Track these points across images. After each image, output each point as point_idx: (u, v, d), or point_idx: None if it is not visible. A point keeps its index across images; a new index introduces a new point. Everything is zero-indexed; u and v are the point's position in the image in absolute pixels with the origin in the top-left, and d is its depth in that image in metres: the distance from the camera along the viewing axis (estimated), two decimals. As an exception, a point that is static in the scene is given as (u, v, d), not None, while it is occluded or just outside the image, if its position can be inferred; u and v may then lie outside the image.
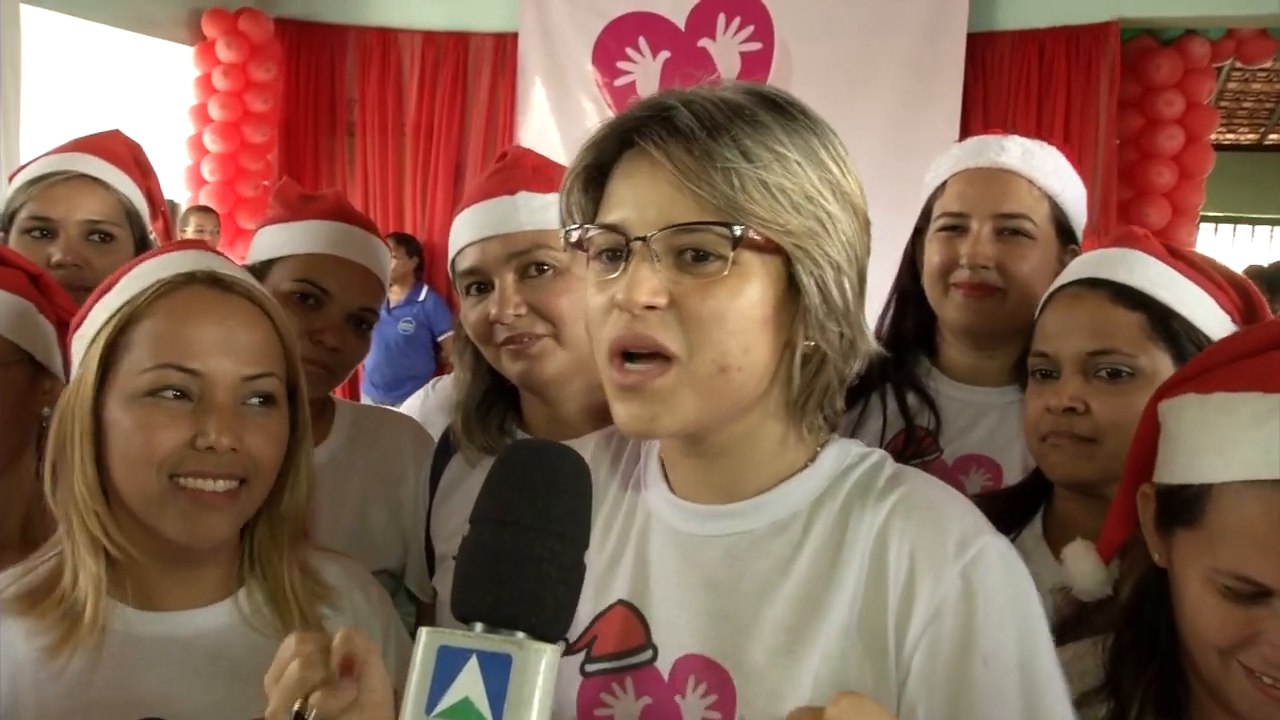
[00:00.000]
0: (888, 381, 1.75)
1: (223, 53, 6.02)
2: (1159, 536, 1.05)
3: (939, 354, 1.78)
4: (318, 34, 6.35)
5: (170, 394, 1.10)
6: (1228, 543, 0.95)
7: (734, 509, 0.95)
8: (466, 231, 1.46)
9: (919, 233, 1.78)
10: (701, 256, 0.87)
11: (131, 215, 1.94)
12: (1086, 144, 5.26)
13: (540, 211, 1.42)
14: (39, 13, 5.14)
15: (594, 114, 5.88)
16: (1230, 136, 9.25)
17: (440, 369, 5.59)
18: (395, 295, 5.80)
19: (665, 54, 5.81)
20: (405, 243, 5.93)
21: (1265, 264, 6.01)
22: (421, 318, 5.84)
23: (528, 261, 1.41)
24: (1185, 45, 5.42)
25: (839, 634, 0.88)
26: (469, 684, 0.68)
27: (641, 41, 5.85)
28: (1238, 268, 1.52)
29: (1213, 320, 1.36)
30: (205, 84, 6.10)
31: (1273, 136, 9.44)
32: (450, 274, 1.52)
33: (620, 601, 0.98)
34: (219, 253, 1.24)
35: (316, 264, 1.67)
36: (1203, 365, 1.05)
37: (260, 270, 1.70)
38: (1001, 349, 1.69)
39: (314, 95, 6.38)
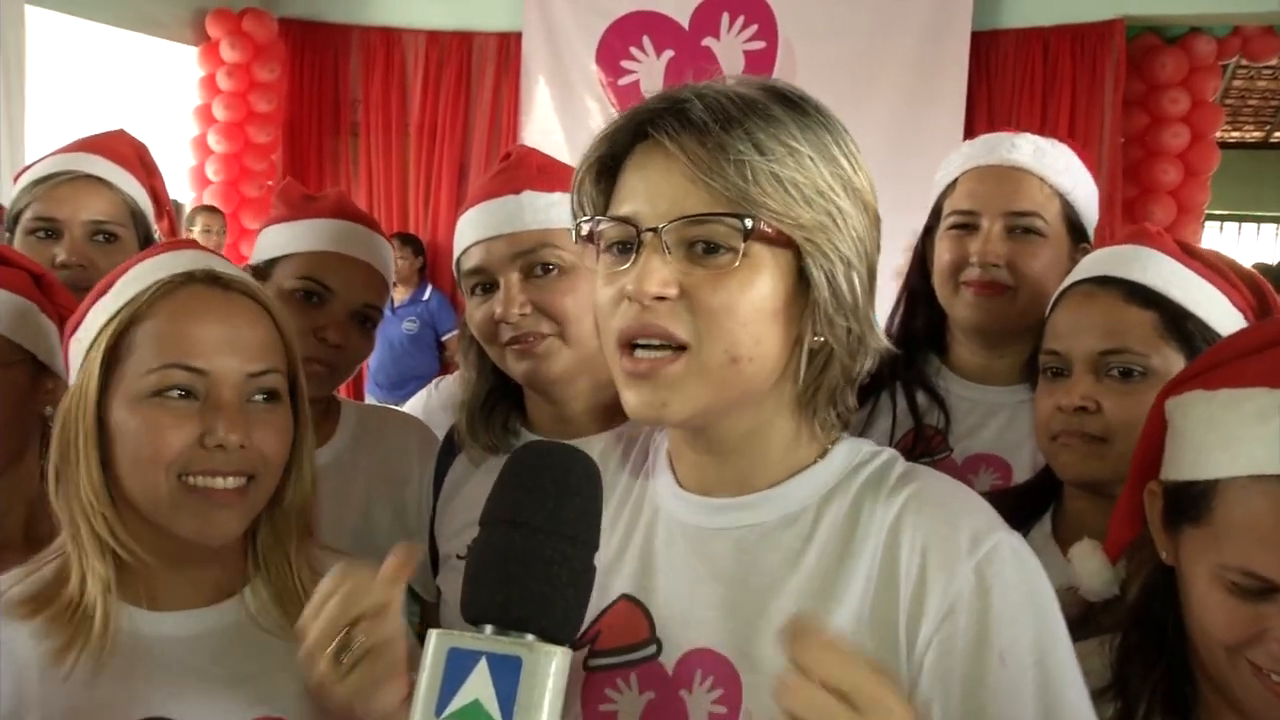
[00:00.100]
0: (897, 380, 1.74)
1: (227, 53, 6.04)
2: (1166, 534, 1.05)
3: (949, 353, 1.78)
4: (322, 34, 6.37)
5: (176, 394, 1.10)
6: (1234, 539, 0.95)
7: (743, 501, 0.95)
8: (471, 231, 1.46)
9: (929, 231, 1.77)
10: (712, 249, 0.87)
11: (136, 215, 1.94)
12: (1091, 142, 5.26)
13: (545, 211, 1.42)
14: (43, 13, 5.15)
15: (598, 113, 5.90)
16: (1235, 134, 9.25)
17: (444, 368, 5.60)
18: (399, 295, 5.82)
19: (669, 53, 5.82)
20: (409, 242, 5.94)
21: (1273, 263, 6.00)
22: (425, 317, 5.85)
23: (533, 261, 1.40)
24: (1190, 43, 5.42)
25: (849, 628, 0.88)
26: (479, 686, 0.68)
27: (645, 41, 5.85)
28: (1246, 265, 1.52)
29: (1226, 319, 1.35)
30: (209, 84, 6.12)
31: (1278, 134, 9.43)
32: (455, 273, 1.52)
33: (624, 596, 0.98)
34: (213, 251, 1.24)
35: (319, 261, 1.67)
36: (1209, 362, 1.05)
37: (264, 269, 1.70)
38: (1012, 348, 1.68)
39: (318, 95, 6.40)
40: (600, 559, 0.82)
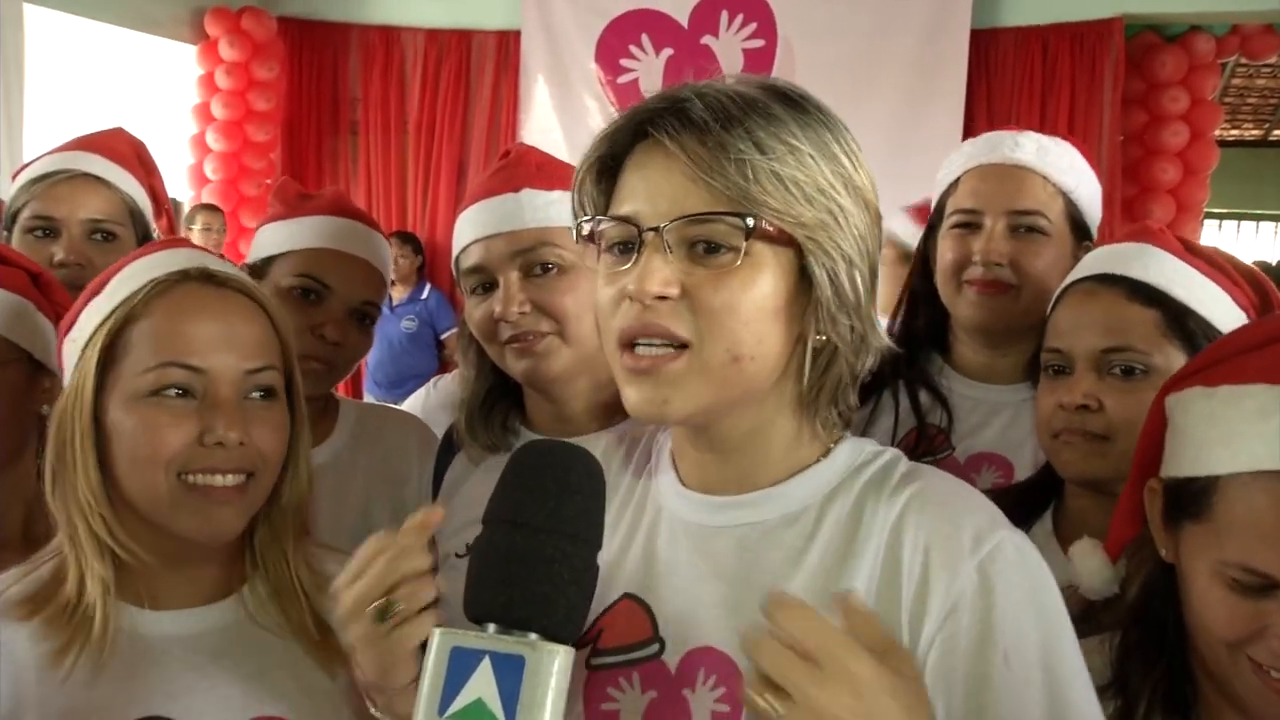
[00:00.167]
0: (900, 379, 1.74)
1: (225, 51, 6.03)
2: (1166, 531, 1.05)
3: (952, 351, 1.77)
4: (320, 32, 6.37)
5: (174, 392, 1.10)
6: (1235, 535, 0.95)
7: (745, 499, 0.95)
8: (470, 229, 1.46)
9: (931, 229, 1.77)
10: (713, 248, 0.87)
11: (134, 214, 1.93)
12: (1090, 140, 5.26)
13: (544, 209, 1.41)
14: (42, 11, 5.15)
15: (597, 112, 5.90)
16: (1234, 132, 9.25)
17: (443, 367, 5.60)
18: (398, 293, 5.83)
19: (668, 51, 5.82)
20: (408, 241, 5.94)
21: (1273, 262, 6.01)
22: (424, 316, 5.85)
23: (532, 259, 1.40)
24: (1190, 41, 5.42)
25: None
26: (482, 685, 0.68)
27: (644, 39, 5.85)
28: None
29: (1229, 318, 1.35)
30: (208, 82, 6.12)
31: (1277, 132, 9.44)
32: (454, 272, 1.51)
33: (627, 595, 0.98)
34: (208, 249, 1.24)
35: (316, 259, 1.67)
36: (1209, 359, 1.05)
37: (260, 268, 1.70)
38: (1015, 347, 1.68)
39: (316, 93, 6.40)
40: (603, 558, 0.82)
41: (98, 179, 1.89)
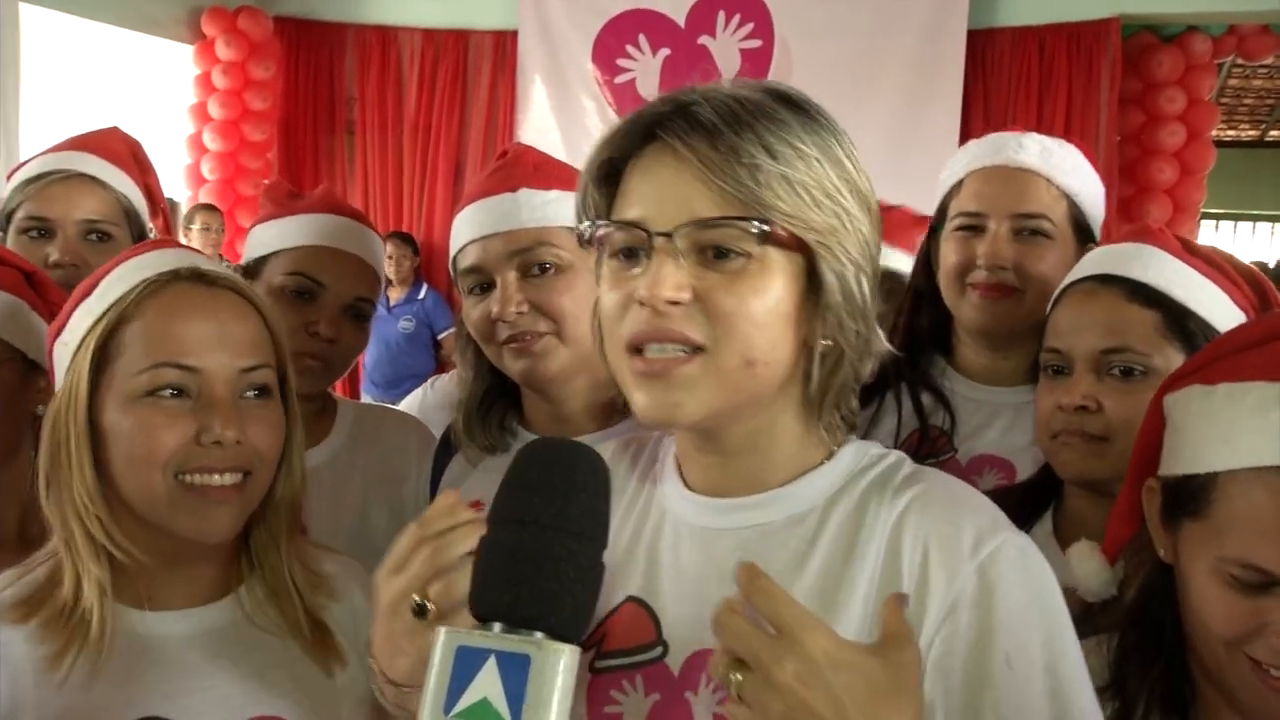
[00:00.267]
0: (902, 381, 1.73)
1: (222, 51, 6.02)
2: (1165, 531, 1.05)
3: (954, 353, 1.77)
4: (317, 32, 6.36)
5: (169, 393, 1.09)
6: (1235, 531, 0.95)
7: (749, 501, 0.95)
8: (467, 229, 1.45)
9: (934, 231, 1.76)
10: (723, 253, 0.87)
11: (130, 214, 1.93)
12: (1087, 141, 5.22)
13: (542, 209, 1.41)
14: (38, 11, 5.13)
15: (594, 112, 5.90)
16: (1231, 133, 9.26)
17: (441, 367, 5.59)
18: (395, 294, 5.83)
19: (665, 51, 5.82)
20: (405, 241, 5.94)
21: (1271, 264, 6.02)
22: (421, 316, 5.85)
23: (530, 259, 1.40)
24: (1186, 41, 5.42)
25: (853, 629, 0.87)
26: (487, 684, 0.68)
27: (641, 39, 5.85)
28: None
29: (1228, 318, 1.35)
30: (205, 82, 6.11)
31: (1274, 133, 9.45)
32: (451, 272, 1.51)
33: (630, 598, 0.97)
34: (195, 249, 1.24)
35: (309, 256, 1.67)
36: (1207, 357, 1.05)
37: (253, 268, 1.70)
38: (1017, 349, 1.67)
39: (313, 93, 6.39)
40: (608, 561, 0.82)
41: (93, 179, 1.88)
